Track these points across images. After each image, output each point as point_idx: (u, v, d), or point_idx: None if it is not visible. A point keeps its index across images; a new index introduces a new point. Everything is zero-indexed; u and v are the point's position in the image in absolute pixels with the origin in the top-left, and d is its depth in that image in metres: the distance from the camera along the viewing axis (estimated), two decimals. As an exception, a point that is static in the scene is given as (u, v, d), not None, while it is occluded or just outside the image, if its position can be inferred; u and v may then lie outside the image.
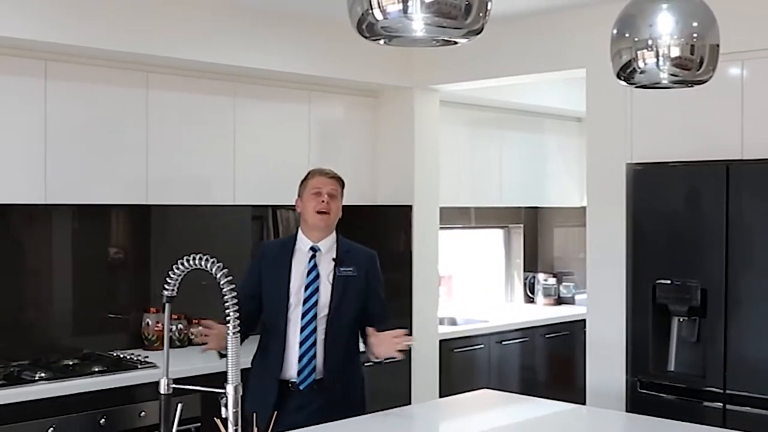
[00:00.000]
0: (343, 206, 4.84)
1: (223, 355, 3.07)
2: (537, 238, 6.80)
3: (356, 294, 3.27)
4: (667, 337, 3.91)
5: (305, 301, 3.22)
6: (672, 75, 2.51)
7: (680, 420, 3.09)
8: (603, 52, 4.11)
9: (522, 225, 6.65)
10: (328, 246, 3.30)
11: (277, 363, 3.21)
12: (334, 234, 3.33)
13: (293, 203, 4.90)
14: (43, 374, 3.55)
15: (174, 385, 2.13)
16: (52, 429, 3.39)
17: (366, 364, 3.32)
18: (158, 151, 4.06)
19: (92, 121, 3.86)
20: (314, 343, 3.19)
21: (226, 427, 2.03)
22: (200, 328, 3.26)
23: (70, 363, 3.83)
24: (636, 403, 3.92)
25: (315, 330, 3.19)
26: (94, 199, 3.92)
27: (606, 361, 4.15)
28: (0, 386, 3.38)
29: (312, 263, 3.25)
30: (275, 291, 3.26)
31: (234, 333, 2.03)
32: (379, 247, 4.92)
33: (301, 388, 3.17)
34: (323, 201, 3.23)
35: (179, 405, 2.10)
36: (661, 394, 3.87)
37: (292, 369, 3.20)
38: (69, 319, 4.18)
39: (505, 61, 4.55)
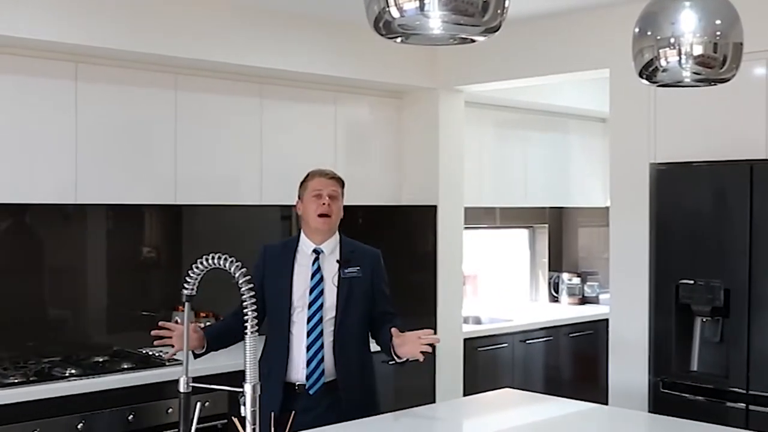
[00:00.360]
0: (369, 207, 4.91)
1: (197, 355, 3.06)
2: (561, 237, 6.73)
3: (362, 294, 3.20)
4: (690, 337, 3.83)
5: (311, 305, 3.14)
6: (695, 73, 2.44)
7: (703, 421, 3.01)
8: (626, 51, 4.05)
9: (547, 225, 6.58)
10: (331, 247, 3.22)
11: (282, 366, 3.12)
12: (337, 235, 3.26)
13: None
14: (73, 371, 3.55)
15: (193, 384, 2.09)
16: (81, 424, 3.38)
17: (390, 363, 3.23)
18: (187, 152, 4.05)
19: (122, 123, 3.86)
20: (321, 347, 3.11)
21: (244, 426, 1.99)
22: (156, 331, 2.99)
23: (100, 360, 3.83)
24: (658, 404, 3.85)
25: (322, 333, 3.11)
26: (123, 200, 3.91)
27: (629, 361, 4.08)
28: (31, 382, 3.38)
29: (315, 266, 3.18)
30: (278, 294, 3.18)
31: (252, 332, 1.99)
32: (403, 247, 5.01)
33: (311, 392, 3.09)
34: (324, 203, 3.15)
35: (198, 404, 2.07)
36: (684, 395, 3.80)
37: (298, 372, 3.12)
38: (101, 317, 4.18)
39: (529, 61, 4.49)
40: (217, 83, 4.17)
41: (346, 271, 3.18)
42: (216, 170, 4.16)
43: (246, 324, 2.02)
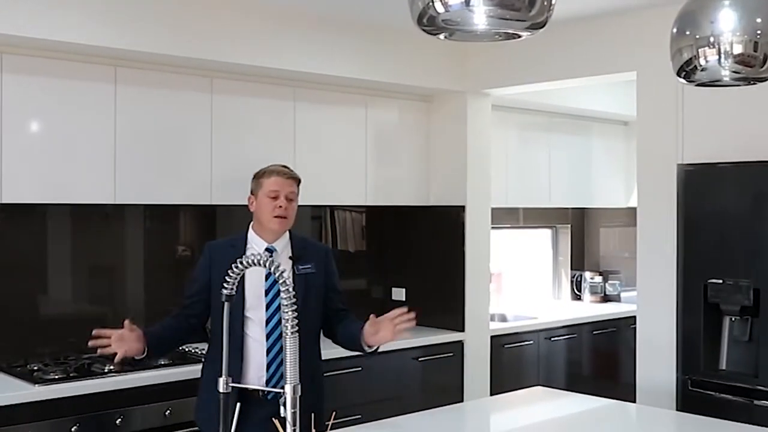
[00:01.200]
0: (398, 207, 4.83)
1: (136, 360, 2.84)
2: (583, 237, 6.63)
3: (317, 291, 2.97)
4: (719, 336, 3.69)
5: (268, 306, 2.90)
6: (734, 72, 2.31)
7: (731, 419, 2.90)
8: (653, 54, 3.98)
9: (569, 225, 6.51)
10: (283, 245, 2.97)
11: (237, 370, 2.79)
12: (288, 231, 3.02)
13: (350, 204, 4.89)
14: (111, 367, 3.47)
15: (233, 384, 1.99)
16: (120, 420, 3.33)
17: (361, 354, 3.01)
18: (222, 153, 3.99)
19: (159, 125, 3.80)
20: (281, 349, 2.76)
21: (284, 427, 1.88)
22: (94, 341, 2.74)
23: (138, 356, 3.74)
24: (686, 402, 3.72)
25: (281, 335, 2.76)
26: (160, 200, 3.85)
27: (656, 359, 3.96)
28: (72, 378, 3.33)
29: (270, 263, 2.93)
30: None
31: (292, 333, 1.88)
32: (432, 247, 4.93)
33: (269, 397, 2.78)
34: (280, 206, 2.90)
35: (238, 404, 1.98)
36: (713, 393, 3.66)
37: (255, 378, 2.86)
38: (138, 314, 4.09)
39: (556, 64, 4.39)
40: (251, 86, 4.11)
41: (300, 267, 2.94)
42: (250, 171, 4.07)
43: (287, 325, 1.90)
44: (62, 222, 3.91)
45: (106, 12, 3.43)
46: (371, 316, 2.84)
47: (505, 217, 5.86)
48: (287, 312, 1.92)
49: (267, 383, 2.86)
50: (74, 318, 3.91)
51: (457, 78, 4.72)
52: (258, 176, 3.03)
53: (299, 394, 1.94)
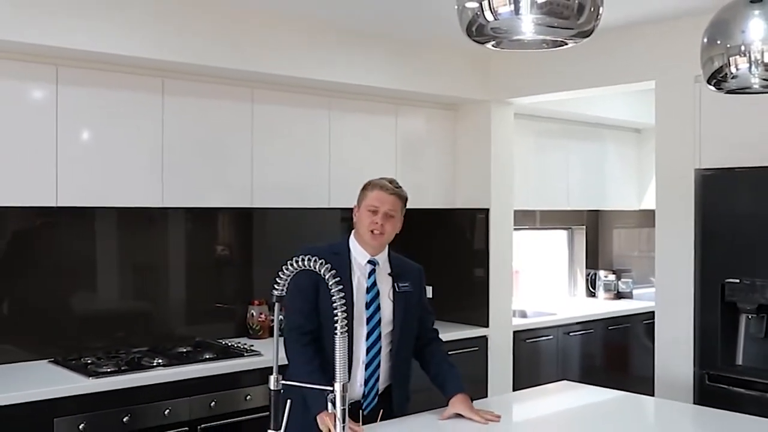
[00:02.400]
0: (426, 209, 4.76)
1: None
2: (597, 237, 6.55)
3: (414, 310, 2.76)
4: (735, 333, 3.61)
5: (369, 320, 2.66)
6: (764, 80, 2.24)
7: (747, 413, 2.79)
8: (671, 63, 3.89)
9: (584, 226, 6.43)
10: (383, 260, 2.75)
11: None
12: (386, 247, 2.79)
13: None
14: (160, 360, 3.45)
15: (283, 382, 1.93)
16: (168, 411, 3.29)
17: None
18: (261, 160, 3.95)
19: (203, 133, 3.77)
20: (378, 365, 2.67)
21: (334, 424, 1.81)
22: None
23: (184, 350, 3.74)
24: (704, 396, 3.63)
25: (380, 351, 2.68)
26: (204, 203, 3.82)
27: (674, 354, 3.88)
28: (123, 371, 3.29)
29: (372, 278, 2.70)
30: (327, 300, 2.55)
31: (342, 332, 1.80)
32: (458, 247, 4.88)
33: (365, 412, 2.60)
34: (377, 222, 2.66)
35: (288, 401, 1.91)
36: (729, 387, 3.57)
37: (354, 389, 2.61)
38: (183, 311, 4.11)
39: (577, 74, 4.31)
40: (289, 96, 4.07)
41: (400, 285, 2.73)
42: (288, 176, 4.07)
43: (336, 325, 1.83)
44: (111, 224, 3.88)
45: (154, 27, 3.40)
46: (462, 398, 2.62)
47: (523, 219, 5.81)
48: (339, 312, 1.84)
49: (364, 397, 2.65)
50: (123, 314, 3.90)
51: (481, 88, 4.67)
52: (364, 187, 2.77)
53: (348, 392, 1.85)
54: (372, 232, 2.66)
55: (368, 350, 2.66)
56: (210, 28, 3.56)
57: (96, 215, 3.80)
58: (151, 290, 4.00)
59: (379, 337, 2.67)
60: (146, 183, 3.57)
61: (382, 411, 2.21)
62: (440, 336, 2.92)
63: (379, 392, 2.70)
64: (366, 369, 2.66)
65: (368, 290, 2.69)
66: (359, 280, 2.69)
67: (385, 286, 2.71)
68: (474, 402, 2.73)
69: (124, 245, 3.92)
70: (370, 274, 2.70)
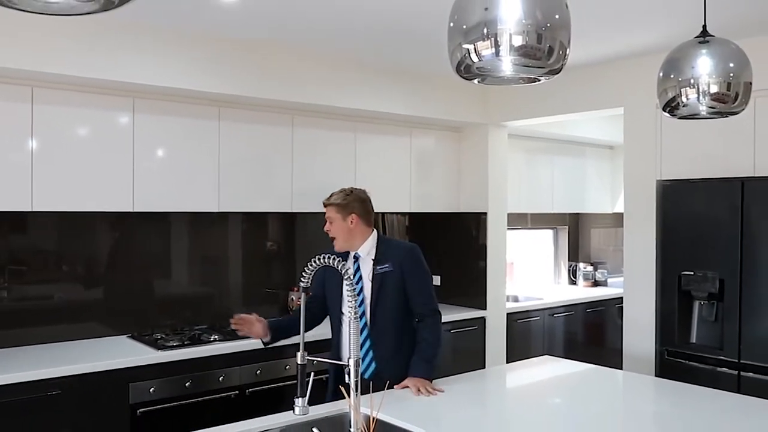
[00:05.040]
0: (434, 213, 4.73)
1: (265, 344, 2.67)
2: (578, 235, 6.47)
3: (394, 286, 2.61)
4: (690, 316, 3.55)
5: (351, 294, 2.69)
6: (710, 108, 2.16)
7: (700, 384, 2.73)
8: (637, 93, 3.82)
9: (567, 226, 6.36)
10: (366, 250, 2.67)
11: (337, 352, 2.68)
12: (373, 237, 2.68)
13: (397, 210, 4.82)
14: (216, 336, 3.45)
15: (308, 357, 1.90)
16: (222, 377, 3.29)
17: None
18: (300, 173, 3.94)
19: (252, 151, 3.76)
20: (368, 336, 2.63)
21: (348, 393, 1.78)
22: (234, 326, 2.67)
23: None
24: (664, 368, 3.58)
25: (366, 324, 2.62)
26: (253, 208, 3.81)
27: (639, 334, 3.81)
28: (186, 345, 3.30)
29: (356, 266, 2.67)
30: (332, 292, 2.70)
31: (355, 318, 1.78)
32: (461, 244, 4.82)
33: (365, 376, 2.57)
34: (328, 230, 2.67)
35: (311, 374, 1.88)
36: (684, 362, 3.50)
37: (346, 355, 2.59)
38: (237, 295, 4.10)
39: (559, 102, 4.25)
40: (322, 122, 4.05)
41: (378, 268, 2.63)
42: (321, 186, 4.03)
43: (351, 310, 1.80)
44: (180, 225, 3.89)
45: (212, 66, 3.40)
46: (409, 380, 2.50)
47: (516, 220, 5.78)
48: (350, 302, 1.81)
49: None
50: (188, 298, 3.91)
51: (480, 113, 4.62)
52: None
53: (360, 367, 1.83)
54: (331, 238, 2.67)
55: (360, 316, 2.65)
56: (257, 67, 3.56)
57: (169, 218, 3.82)
58: (212, 278, 4.01)
59: (363, 313, 2.62)
60: (206, 192, 3.58)
61: (389, 381, 2.16)
62: (436, 314, 2.67)
63: (370, 363, 2.61)
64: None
65: (354, 275, 2.66)
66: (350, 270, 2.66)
67: (367, 270, 2.65)
68: (472, 372, 2.71)
69: (190, 242, 3.93)
70: (355, 263, 2.68)
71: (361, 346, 2.61)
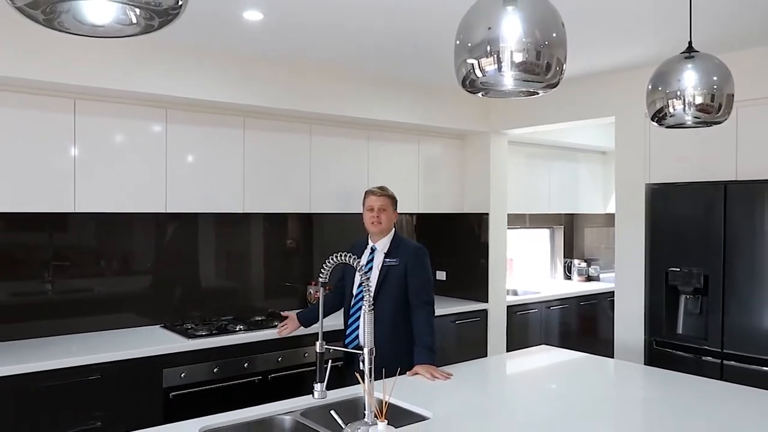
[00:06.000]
0: (440, 213, 4.74)
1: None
2: (573, 234, 6.44)
3: (397, 279, 2.74)
4: (676, 309, 3.52)
5: (357, 294, 2.84)
6: (695, 117, 2.15)
7: (685, 371, 2.73)
8: (627, 103, 3.81)
9: (562, 225, 6.33)
10: (383, 245, 2.83)
11: (345, 331, 2.89)
12: (390, 234, 2.86)
13: (407, 211, 4.83)
14: (241, 326, 3.46)
15: (327, 346, 1.91)
16: (246, 364, 3.30)
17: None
18: (317, 177, 3.95)
19: (274, 157, 3.77)
20: (357, 318, 2.77)
21: (362, 380, 1.79)
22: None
23: (260, 318, 3.74)
24: (652, 357, 3.56)
25: (360, 308, 2.74)
26: (275, 209, 3.82)
27: (630, 326, 3.79)
28: (214, 334, 3.32)
29: (370, 257, 2.84)
30: (348, 282, 2.90)
31: (369, 310, 1.79)
32: (465, 241, 4.82)
33: (353, 345, 2.79)
34: (375, 215, 2.82)
35: (329, 362, 1.89)
36: (672, 351, 3.48)
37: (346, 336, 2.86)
38: (260, 288, 4.11)
39: (556, 112, 4.24)
40: (338, 130, 4.06)
41: (387, 260, 2.79)
42: (337, 189, 4.07)
43: (364, 302, 1.81)
44: (208, 225, 3.91)
45: (237, 79, 3.42)
46: (417, 367, 2.53)
47: (515, 220, 5.78)
48: (365, 293, 1.83)
49: (349, 345, 2.80)
50: (215, 291, 3.92)
51: (482, 122, 4.62)
52: (364, 196, 2.94)
53: (374, 354, 1.84)
54: (372, 223, 2.82)
55: (353, 314, 2.82)
56: (279, 80, 3.57)
57: (198, 218, 3.85)
58: (237, 273, 4.03)
59: (362, 297, 2.74)
60: (232, 194, 3.59)
61: (399, 368, 2.17)
62: (429, 306, 2.72)
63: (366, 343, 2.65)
64: (351, 324, 2.82)
65: (365, 266, 2.84)
66: (362, 260, 2.85)
67: (379, 262, 2.81)
68: (474, 360, 2.71)
69: (217, 240, 3.95)
70: (369, 255, 2.86)
71: (352, 332, 2.79)
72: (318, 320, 2.95)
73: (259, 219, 4.11)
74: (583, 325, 5.57)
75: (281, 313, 3.44)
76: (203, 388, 3.13)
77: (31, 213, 3.10)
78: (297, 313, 3.22)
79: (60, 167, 3.03)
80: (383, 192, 2.90)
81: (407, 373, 2.50)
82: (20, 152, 2.93)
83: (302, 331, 3.51)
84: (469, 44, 1.51)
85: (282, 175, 3.80)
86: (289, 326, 3.18)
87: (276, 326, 3.49)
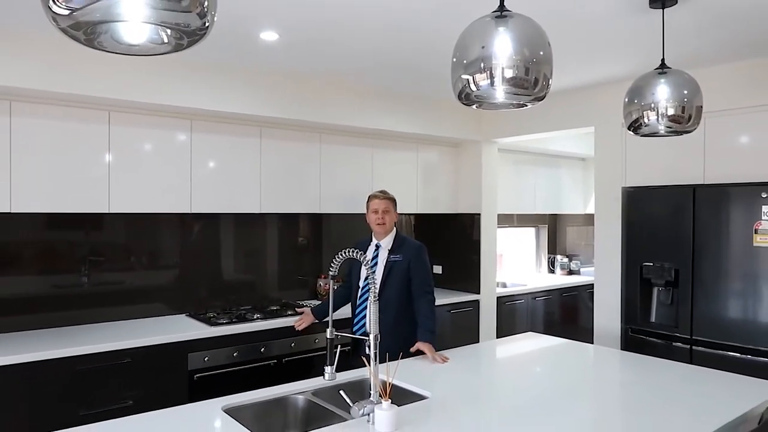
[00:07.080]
0: (437, 214, 4.74)
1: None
2: (556, 232, 6.43)
3: (400, 274, 2.77)
4: (650, 300, 3.51)
5: (364, 287, 2.85)
6: (668, 127, 2.16)
7: (658, 356, 2.78)
8: (605, 114, 3.81)
9: (547, 224, 6.33)
10: (387, 243, 2.87)
11: (352, 321, 2.91)
12: (393, 233, 2.90)
13: (407, 211, 4.83)
14: (258, 315, 3.46)
15: (336, 332, 1.92)
16: (263, 349, 3.31)
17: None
18: (326, 181, 3.95)
19: (287, 163, 3.78)
20: (364, 309, 2.81)
21: (369, 363, 1.80)
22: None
23: (275, 308, 3.74)
24: (628, 343, 3.55)
25: (366, 299, 2.79)
26: (288, 210, 3.82)
27: (608, 314, 3.79)
28: (233, 322, 3.32)
29: (375, 253, 2.87)
30: (356, 275, 2.92)
31: (375, 300, 1.79)
32: (459, 239, 4.82)
33: (360, 332, 2.83)
34: (380, 217, 2.86)
35: (338, 347, 1.90)
36: (645, 338, 3.48)
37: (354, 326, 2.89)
38: (275, 281, 4.12)
39: (541, 122, 4.24)
40: (345, 138, 4.06)
41: (391, 257, 2.82)
42: (344, 192, 4.07)
43: (369, 293, 1.82)
44: (228, 224, 3.92)
45: (255, 93, 3.42)
46: (420, 344, 2.57)
47: (504, 220, 5.78)
48: (371, 285, 1.83)
49: (356, 332, 2.84)
50: (235, 283, 3.92)
51: (475, 132, 4.61)
52: (367, 200, 2.97)
53: (379, 341, 1.84)
54: (377, 224, 2.85)
55: (360, 304, 2.83)
56: (292, 94, 3.58)
57: (219, 218, 3.85)
58: (254, 268, 4.03)
59: (368, 290, 2.76)
60: (250, 196, 3.60)
61: (402, 353, 2.18)
62: (429, 295, 2.76)
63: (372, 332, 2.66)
64: (359, 314, 2.83)
65: (371, 261, 2.85)
66: (368, 256, 2.87)
67: (383, 258, 2.84)
68: (467, 346, 2.71)
69: (236, 238, 3.95)
70: (374, 251, 2.88)
71: (359, 321, 2.81)
72: (327, 316, 3.01)
73: (274, 219, 4.11)
74: (565, 314, 5.57)
75: (297, 309, 3.50)
76: (224, 370, 3.14)
77: (70, 213, 3.12)
78: (311, 308, 3.25)
79: (96, 172, 3.04)
80: (385, 195, 2.94)
81: (411, 348, 2.56)
82: (61, 159, 2.94)
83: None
84: (465, 61, 1.52)
85: (294, 179, 3.80)
86: (305, 321, 3.21)
87: (289, 315, 3.49)
